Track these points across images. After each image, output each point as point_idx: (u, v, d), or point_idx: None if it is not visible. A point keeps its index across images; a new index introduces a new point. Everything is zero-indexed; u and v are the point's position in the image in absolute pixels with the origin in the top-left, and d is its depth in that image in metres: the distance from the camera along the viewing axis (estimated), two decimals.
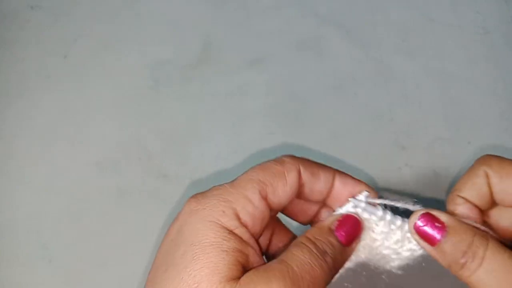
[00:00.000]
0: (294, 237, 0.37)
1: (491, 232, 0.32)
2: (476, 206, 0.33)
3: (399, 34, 0.63)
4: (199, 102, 0.59)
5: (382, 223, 0.34)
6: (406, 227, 0.33)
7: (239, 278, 0.28)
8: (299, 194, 0.33)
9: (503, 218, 0.34)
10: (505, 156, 0.34)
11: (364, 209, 0.34)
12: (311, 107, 0.58)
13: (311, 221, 0.37)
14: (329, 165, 0.35)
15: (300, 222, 0.37)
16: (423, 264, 0.35)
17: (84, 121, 0.58)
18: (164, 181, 0.55)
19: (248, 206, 0.30)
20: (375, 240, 0.34)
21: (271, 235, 0.36)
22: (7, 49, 0.62)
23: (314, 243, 0.30)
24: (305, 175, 0.33)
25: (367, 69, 0.60)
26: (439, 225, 0.31)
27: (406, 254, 0.34)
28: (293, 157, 0.33)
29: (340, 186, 0.34)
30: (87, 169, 0.56)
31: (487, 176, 0.32)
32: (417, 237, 0.32)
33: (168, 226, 0.31)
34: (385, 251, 0.35)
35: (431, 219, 0.32)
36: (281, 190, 0.32)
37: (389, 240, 0.34)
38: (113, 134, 0.57)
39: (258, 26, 0.63)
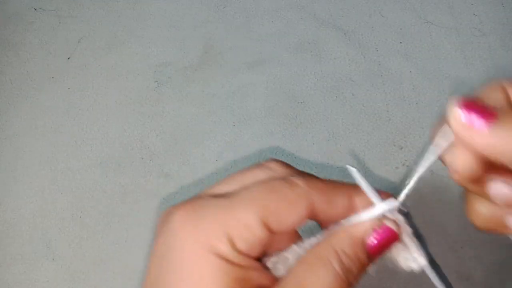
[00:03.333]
0: (296, 235, 0.32)
1: None
2: None
3: (396, 36, 0.63)
4: (200, 103, 0.59)
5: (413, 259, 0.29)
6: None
7: None
8: (312, 219, 0.28)
9: None
10: None
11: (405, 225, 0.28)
12: (310, 108, 0.59)
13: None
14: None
15: None
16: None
17: (87, 122, 0.59)
18: (166, 180, 0.55)
19: (246, 234, 0.26)
20: (403, 249, 0.29)
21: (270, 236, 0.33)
22: (11, 51, 0.63)
23: (341, 262, 0.26)
24: (320, 204, 0.27)
25: (365, 71, 0.61)
26: (488, 110, 0.24)
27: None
28: (305, 179, 0.27)
29: (361, 208, 0.29)
30: (90, 168, 0.56)
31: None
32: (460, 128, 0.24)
33: (154, 234, 0.28)
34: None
35: (475, 106, 0.24)
36: (286, 219, 0.27)
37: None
38: (116, 134, 0.58)
39: (258, 28, 0.64)
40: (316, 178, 0.29)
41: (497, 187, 0.25)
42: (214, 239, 0.25)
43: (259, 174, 0.28)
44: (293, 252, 0.28)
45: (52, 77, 0.61)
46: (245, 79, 0.61)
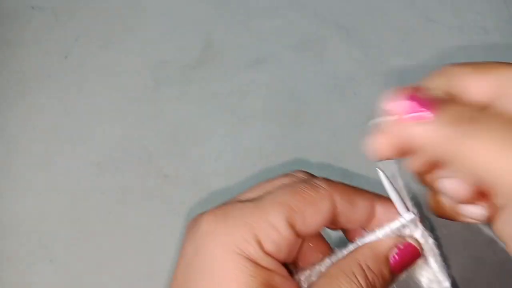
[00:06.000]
0: (329, 249, 0.32)
1: None
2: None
3: (398, 34, 0.63)
4: (200, 103, 0.59)
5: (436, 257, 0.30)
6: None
7: None
8: (334, 222, 0.29)
9: None
10: None
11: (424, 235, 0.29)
12: (311, 107, 0.58)
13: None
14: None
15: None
16: None
17: (84, 122, 0.58)
18: (165, 181, 0.55)
19: (273, 234, 0.26)
20: (427, 269, 0.30)
21: (301, 246, 0.32)
22: (7, 49, 0.62)
23: (365, 276, 0.27)
24: (341, 204, 0.28)
25: (367, 70, 0.60)
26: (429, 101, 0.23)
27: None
28: (328, 182, 0.29)
29: (382, 214, 0.30)
30: (88, 169, 0.56)
31: None
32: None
33: (182, 240, 0.29)
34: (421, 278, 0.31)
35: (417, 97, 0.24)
36: (311, 219, 0.28)
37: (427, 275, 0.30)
38: (113, 134, 0.57)
39: (258, 26, 0.63)
40: (338, 182, 0.29)
41: (445, 184, 0.25)
42: (242, 241, 0.26)
43: (283, 180, 0.29)
44: (325, 265, 0.29)
45: (49, 76, 0.61)
46: (246, 77, 0.60)
